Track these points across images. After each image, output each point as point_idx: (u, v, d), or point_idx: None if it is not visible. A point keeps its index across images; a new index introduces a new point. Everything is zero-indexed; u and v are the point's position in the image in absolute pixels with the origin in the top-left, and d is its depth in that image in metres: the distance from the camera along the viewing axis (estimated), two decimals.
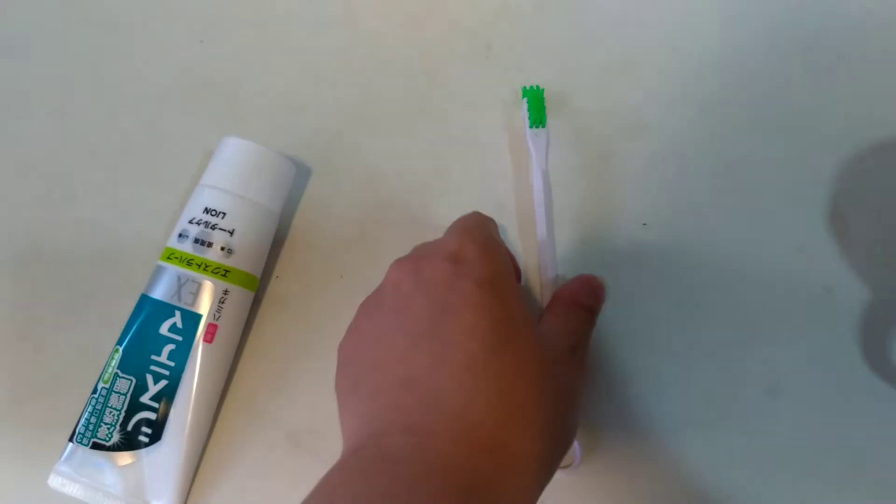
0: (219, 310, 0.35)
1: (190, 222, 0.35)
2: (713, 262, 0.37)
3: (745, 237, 0.38)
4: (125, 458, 0.34)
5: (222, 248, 0.35)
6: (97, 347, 0.37)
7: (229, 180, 0.36)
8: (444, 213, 0.39)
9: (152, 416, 0.34)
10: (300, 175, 0.40)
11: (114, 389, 0.34)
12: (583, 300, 0.35)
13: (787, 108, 0.40)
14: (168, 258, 0.35)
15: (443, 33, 0.43)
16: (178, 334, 0.34)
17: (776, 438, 0.35)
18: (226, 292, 0.35)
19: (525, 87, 0.40)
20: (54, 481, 0.34)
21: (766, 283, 0.37)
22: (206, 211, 0.35)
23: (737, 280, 0.37)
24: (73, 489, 0.34)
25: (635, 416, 0.35)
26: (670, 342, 0.36)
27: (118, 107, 0.43)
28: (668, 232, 0.38)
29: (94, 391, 0.34)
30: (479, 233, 0.29)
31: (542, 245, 0.37)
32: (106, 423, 0.34)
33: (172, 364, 0.34)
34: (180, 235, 0.35)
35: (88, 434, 0.34)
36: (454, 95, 0.42)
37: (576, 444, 0.34)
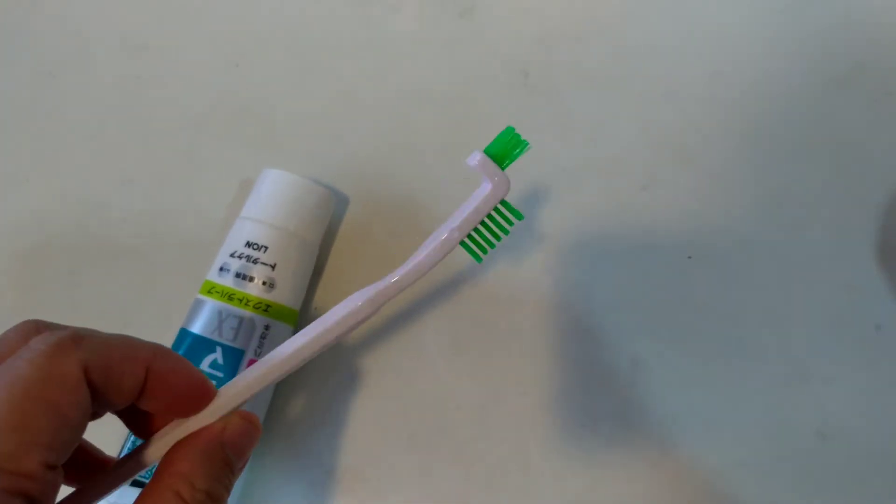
0: (260, 345, 0.34)
1: (231, 256, 0.35)
2: (760, 299, 0.37)
3: (791, 272, 0.37)
4: None
5: (264, 283, 0.35)
6: None
7: (271, 213, 0.35)
8: None
9: None
10: (338, 203, 0.40)
11: None
12: (235, 457, 0.24)
13: (832, 139, 0.39)
14: (209, 292, 0.35)
15: (480, 60, 0.43)
16: (220, 370, 0.34)
17: (826, 481, 0.34)
18: (267, 327, 0.34)
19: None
20: None
21: (815, 321, 0.36)
22: (248, 245, 0.35)
23: (784, 317, 0.36)
24: None
25: (686, 457, 0.35)
26: (718, 380, 0.36)
27: (154, 133, 0.43)
28: (714, 266, 0.38)
29: None
30: None
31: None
32: None
33: None
34: (221, 269, 0.35)
35: None
36: (491, 122, 0.41)
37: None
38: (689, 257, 0.38)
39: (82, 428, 0.21)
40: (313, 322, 0.27)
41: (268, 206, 0.36)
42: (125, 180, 0.42)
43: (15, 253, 0.41)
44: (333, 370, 0.37)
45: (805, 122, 0.40)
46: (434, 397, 0.37)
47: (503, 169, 0.29)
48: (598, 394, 0.36)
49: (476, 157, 0.29)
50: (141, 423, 0.25)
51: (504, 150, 0.29)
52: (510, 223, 0.29)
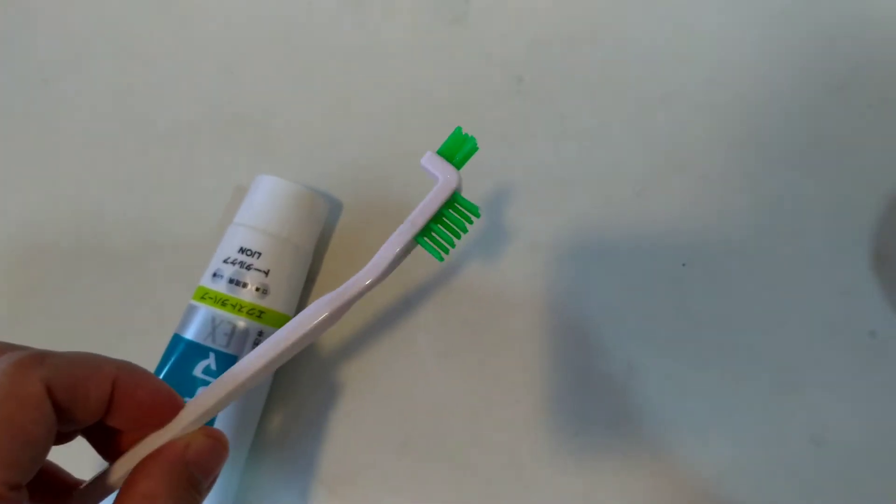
0: None
1: (225, 262, 0.35)
2: (754, 305, 0.37)
3: (786, 279, 0.37)
4: None
5: (257, 289, 0.34)
6: None
7: (264, 219, 0.35)
8: (477, 246, 0.39)
9: None
10: (331, 209, 0.40)
11: None
12: (201, 476, 0.24)
13: (827, 145, 0.39)
14: (202, 298, 0.35)
15: (474, 66, 0.43)
16: (213, 376, 0.34)
17: (821, 488, 0.34)
18: (260, 334, 0.34)
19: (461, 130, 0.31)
20: None
21: (809, 327, 0.36)
22: (242, 251, 0.35)
23: (778, 323, 0.36)
24: None
25: (680, 464, 0.35)
26: (712, 387, 0.36)
27: (148, 140, 0.43)
28: (708, 272, 0.37)
29: None
30: None
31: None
32: None
33: None
34: (214, 275, 0.35)
35: None
36: (485, 128, 0.42)
37: None
38: (684, 264, 0.38)
39: (46, 447, 0.21)
40: (279, 330, 0.27)
41: (261, 212, 0.36)
42: (119, 186, 0.42)
43: (9, 259, 0.41)
44: (325, 377, 0.37)
45: (800, 128, 0.40)
46: (426, 404, 0.37)
47: (457, 167, 0.30)
48: (591, 400, 0.36)
49: (426, 156, 0.30)
50: (109, 444, 0.25)
51: (453, 149, 0.30)
52: (468, 220, 0.30)
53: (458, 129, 0.31)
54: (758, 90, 0.41)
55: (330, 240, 0.40)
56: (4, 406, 0.19)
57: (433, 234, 0.29)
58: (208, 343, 0.34)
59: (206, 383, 0.34)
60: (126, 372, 0.23)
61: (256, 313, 0.34)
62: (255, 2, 0.45)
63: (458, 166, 0.30)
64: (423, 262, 0.39)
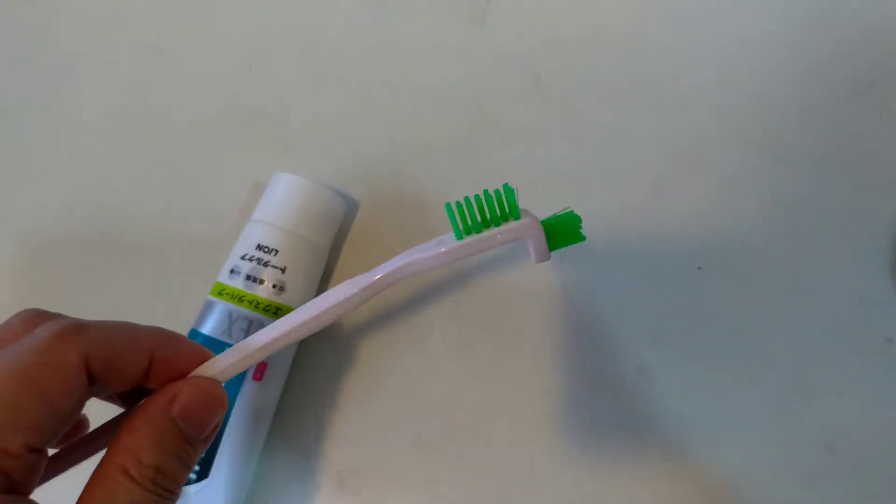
0: None
1: (242, 258, 0.35)
2: (770, 310, 0.37)
3: (802, 284, 0.37)
4: None
5: (274, 286, 0.35)
6: None
7: (282, 217, 0.36)
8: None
9: None
10: (348, 207, 0.40)
11: None
12: (191, 429, 0.23)
13: (846, 150, 0.39)
14: (219, 293, 0.35)
15: (492, 64, 0.43)
16: None
17: (833, 494, 0.34)
18: None
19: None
20: None
21: (824, 333, 0.36)
22: (259, 247, 0.35)
23: (794, 329, 0.36)
24: None
25: (692, 466, 0.35)
26: (725, 390, 0.36)
27: (167, 135, 0.43)
28: (724, 275, 0.37)
29: None
30: None
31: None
32: None
33: None
34: (232, 271, 0.35)
35: None
36: (502, 126, 0.42)
37: None
38: (700, 268, 0.38)
39: (72, 417, 0.21)
40: (308, 303, 0.28)
41: (279, 209, 0.36)
42: (138, 180, 0.42)
43: (28, 251, 0.42)
44: (339, 372, 0.38)
45: (819, 132, 0.40)
46: (440, 401, 0.37)
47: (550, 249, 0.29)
48: (603, 400, 0.36)
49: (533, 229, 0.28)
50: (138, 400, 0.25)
51: (561, 233, 0.29)
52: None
53: (572, 213, 0.29)
54: (777, 92, 0.40)
55: (346, 237, 0.40)
56: (41, 372, 0.20)
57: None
58: (225, 338, 0.34)
59: None
60: (163, 341, 0.23)
61: (273, 310, 0.35)
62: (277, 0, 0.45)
63: (552, 247, 0.29)
64: None
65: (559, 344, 0.37)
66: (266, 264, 0.35)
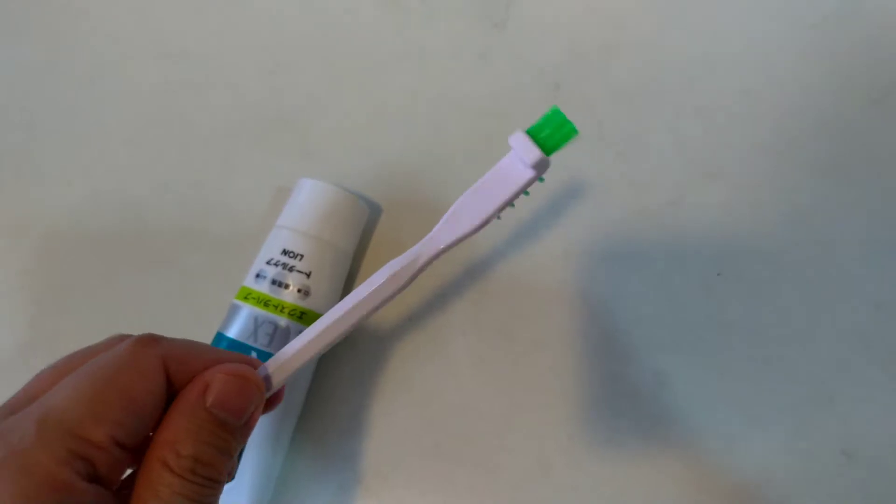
0: None
1: (268, 263, 0.36)
2: (788, 317, 0.37)
3: (820, 290, 0.37)
4: None
5: (299, 290, 0.35)
6: None
7: (307, 222, 0.36)
8: (512, 252, 0.39)
9: None
10: (371, 212, 0.40)
11: None
12: (229, 416, 0.23)
13: (863, 156, 0.39)
14: (245, 298, 0.36)
15: (512, 72, 0.43)
16: None
17: (851, 501, 0.34)
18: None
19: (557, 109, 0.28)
20: None
21: (842, 339, 0.36)
22: (284, 252, 0.36)
23: (812, 335, 0.37)
24: None
25: (709, 474, 0.35)
26: (742, 397, 0.36)
27: (191, 140, 0.44)
28: (741, 282, 0.38)
29: None
30: None
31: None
32: None
33: None
34: (257, 276, 0.36)
35: None
36: None
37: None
38: (719, 274, 0.38)
39: (153, 416, 0.22)
40: (353, 292, 0.28)
41: (304, 215, 0.36)
42: (163, 185, 0.43)
43: (53, 255, 0.42)
44: (362, 378, 0.38)
45: (836, 139, 0.40)
46: (459, 407, 0.37)
47: (548, 154, 0.27)
48: (621, 408, 0.37)
49: (516, 136, 0.27)
50: None
51: (547, 131, 0.27)
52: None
53: (556, 109, 0.28)
54: (795, 100, 0.41)
55: (369, 242, 0.41)
56: (124, 374, 0.22)
57: None
58: (250, 342, 0.35)
59: None
60: (229, 355, 0.25)
61: (298, 314, 0.35)
62: (299, 6, 0.46)
63: (548, 152, 0.27)
64: (458, 264, 0.39)
65: (577, 351, 0.38)
66: (291, 269, 0.35)
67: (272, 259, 0.36)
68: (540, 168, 0.27)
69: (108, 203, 0.43)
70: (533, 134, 0.27)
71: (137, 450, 0.22)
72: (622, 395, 0.37)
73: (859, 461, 0.35)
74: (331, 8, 0.45)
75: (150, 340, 0.23)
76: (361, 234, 0.39)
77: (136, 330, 0.40)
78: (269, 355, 0.34)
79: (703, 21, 0.43)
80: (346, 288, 0.39)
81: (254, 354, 0.35)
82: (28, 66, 0.47)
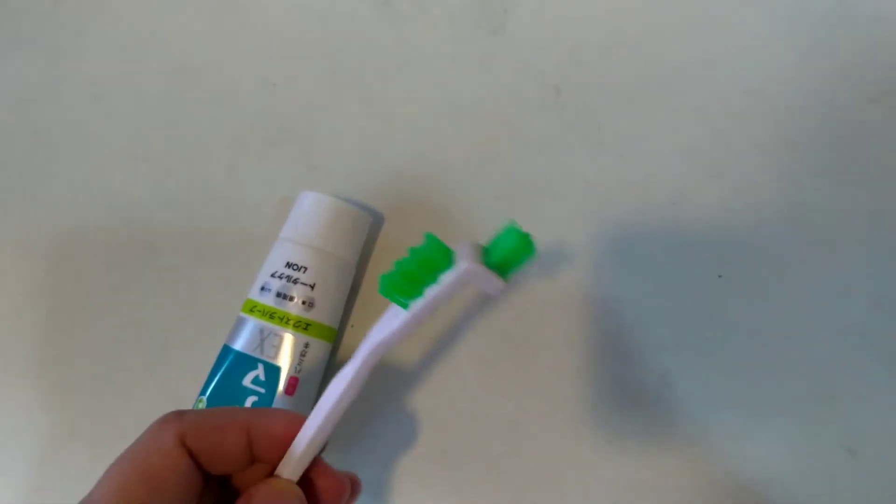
0: (300, 363, 0.35)
1: (272, 276, 0.36)
2: (790, 317, 0.37)
3: (821, 289, 0.37)
4: None
5: (303, 302, 0.36)
6: (180, 392, 0.38)
7: (310, 235, 0.36)
8: None
9: None
10: (373, 220, 0.41)
11: None
12: None
13: (864, 155, 0.39)
14: (250, 310, 0.36)
15: (512, 77, 0.43)
16: (261, 386, 0.35)
17: (855, 499, 0.34)
18: (306, 345, 0.36)
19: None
20: None
21: (844, 338, 0.36)
22: (288, 265, 0.36)
23: (814, 335, 0.37)
24: None
25: (714, 473, 0.35)
26: (746, 396, 0.36)
27: (195, 153, 0.44)
28: (744, 281, 0.38)
29: None
30: None
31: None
32: None
33: None
34: (262, 288, 0.36)
35: None
36: (524, 137, 0.42)
37: None
38: (720, 276, 0.38)
39: (179, 491, 0.23)
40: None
41: (307, 227, 0.37)
42: (167, 199, 0.43)
43: (61, 269, 0.43)
44: (371, 387, 0.38)
45: (836, 138, 0.40)
46: (466, 413, 0.38)
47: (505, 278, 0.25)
48: (626, 409, 0.37)
49: (470, 266, 0.24)
50: None
51: (506, 252, 0.25)
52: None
53: (513, 227, 0.25)
54: (795, 99, 0.41)
55: (372, 251, 0.41)
56: (143, 454, 0.23)
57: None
58: (257, 354, 0.35)
59: (256, 393, 0.35)
60: (256, 415, 0.25)
61: (303, 325, 0.36)
62: (299, 18, 0.46)
63: (505, 274, 0.25)
64: None
65: (582, 354, 0.38)
66: (296, 281, 0.36)
67: (276, 272, 0.36)
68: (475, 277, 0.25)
69: (115, 217, 0.43)
70: (490, 252, 0.25)
71: None
72: (627, 396, 0.37)
73: (864, 459, 0.35)
74: (331, 18, 0.46)
75: (170, 417, 0.24)
76: (364, 244, 0.40)
77: (144, 342, 0.41)
78: (275, 367, 0.35)
79: (702, 22, 0.43)
80: (351, 298, 0.39)
81: (260, 366, 0.35)
82: (34, 80, 0.47)
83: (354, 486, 0.28)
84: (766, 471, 0.35)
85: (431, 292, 0.25)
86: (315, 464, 0.27)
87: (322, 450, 0.27)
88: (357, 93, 0.44)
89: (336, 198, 0.37)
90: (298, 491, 0.26)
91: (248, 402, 0.35)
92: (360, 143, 0.43)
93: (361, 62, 0.45)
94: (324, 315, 0.36)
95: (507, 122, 0.43)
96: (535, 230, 0.40)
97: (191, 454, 0.24)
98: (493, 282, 0.25)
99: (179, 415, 0.24)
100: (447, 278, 0.24)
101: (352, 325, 0.39)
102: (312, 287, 0.36)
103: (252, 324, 0.36)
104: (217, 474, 0.25)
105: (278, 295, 0.36)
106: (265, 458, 0.26)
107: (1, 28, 0.49)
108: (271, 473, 0.26)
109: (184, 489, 0.23)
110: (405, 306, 0.25)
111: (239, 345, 0.36)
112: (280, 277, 0.36)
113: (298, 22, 0.46)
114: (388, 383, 0.39)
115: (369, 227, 0.39)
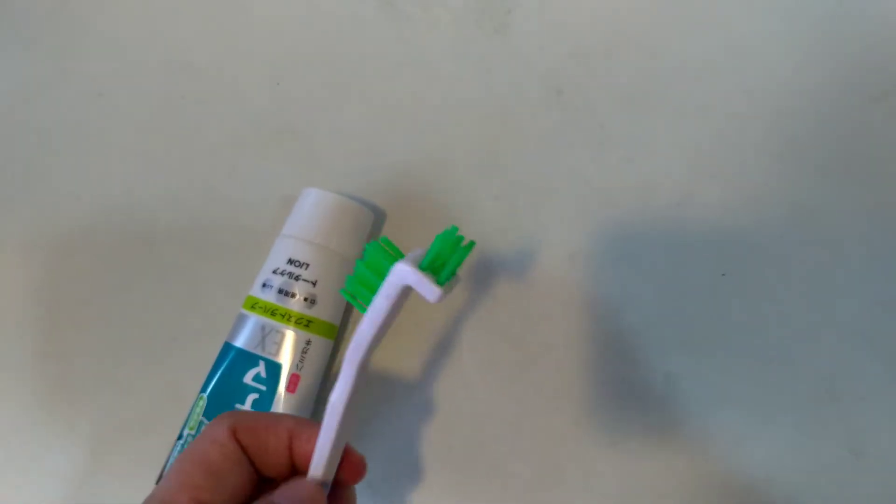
0: (301, 360, 0.35)
1: (274, 272, 0.36)
2: (794, 317, 0.37)
3: (825, 289, 0.37)
4: None
5: (305, 299, 0.36)
6: (181, 390, 0.38)
7: (312, 231, 0.36)
8: (519, 257, 0.39)
9: None
10: (375, 217, 0.40)
11: None
12: None
13: (866, 155, 0.40)
14: (252, 307, 0.36)
15: (514, 77, 0.44)
16: (262, 384, 0.35)
17: (859, 499, 0.34)
18: (308, 342, 0.36)
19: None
20: None
21: (847, 338, 0.36)
22: (290, 262, 0.36)
23: (818, 335, 0.37)
24: None
25: (718, 473, 0.35)
26: (749, 396, 0.36)
27: (198, 151, 0.44)
28: (747, 282, 0.38)
29: (180, 437, 0.35)
30: None
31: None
32: None
33: None
34: (264, 285, 0.36)
35: None
36: (526, 138, 0.42)
37: None
38: (724, 274, 0.38)
39: (232, 479, 0.26)
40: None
41: (309, 224, 0.37)
42: (170, 196, 0.43)
43: (64, 268, 0.43)
44: (374, 386, 0.38)
45: (839, 138, 0.40)
46: (470, 413, 0.38)
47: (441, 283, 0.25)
48: (629, 409, 0.37)
49: (408, 270, 0.24)
50: None
51: (435, 260, 0.25)
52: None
53: (447, 231, 0.26)
54: (797, 100, 0.41)
55: None
56: (200, 445, 0.26)
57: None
58: (258, 351, 0.35)
59: (257, 391, 0.35)
60: (299, 423, 0.27)
61: (304, 322, 0.35)
62: (301, 16, 0.46)
63: (442, 280, 0.25)
64: (465, 270, 0.39)
65: (584, 354, 0.38)
66: (297, 278, 0.36)
67: (278, 268, 0.36)
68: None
69: (117, 215, 0.43)
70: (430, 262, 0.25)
71: None
72: (630, 396, 0.37)
73: (867, 459, 0.35)
74: (334, 17, 0.46)
75: (225, 414, 0.27)
76: (366, 241, 0.39)
77: (145, 340, 0.41)
78: (276, 364, 0.35)
79: (702, 22, 0.43)
80: None
81: (262, 363, 0.35)
82: (36, 79, 0.47)
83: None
84: (770, 471, 0.35)
85: (377, 296, 0.25)
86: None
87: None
88: (360, 91, 0.44)
89: (339, 194, 0.37)
90: (320, 495, 0.26)
91: (249, 399, 0.35)
92: (363, 141, 0.43)
93: (363, 61, 0.45)
94: (325, 312, 0.36)
95: (509, 122, 0.43)
96: (535, 230, 0.41)
97: (242, 448, 0.26)
98: (427, 286, 0.24)
99: (232, 413, 0.27)
100: (385, 284, 0.25)
101: (353, 323, 0.39)
102: (314, 284, 0.36)
103: (253, 321, 0.36)
104: (264, 476, 0.27)
105: (280, 291, 0.36)
106: (303, 467, 0.27)
107: (4, 27, 0.49)
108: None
109: (238, 478, 0.26)
110: (362, 309, 0.26)
111: (240, 342, 0.36)
112: (282, 274, 0.36)
113: (301, 21, 0.46)
114: (390, 383, 0.38)
115: (371, 223, 0.39)
